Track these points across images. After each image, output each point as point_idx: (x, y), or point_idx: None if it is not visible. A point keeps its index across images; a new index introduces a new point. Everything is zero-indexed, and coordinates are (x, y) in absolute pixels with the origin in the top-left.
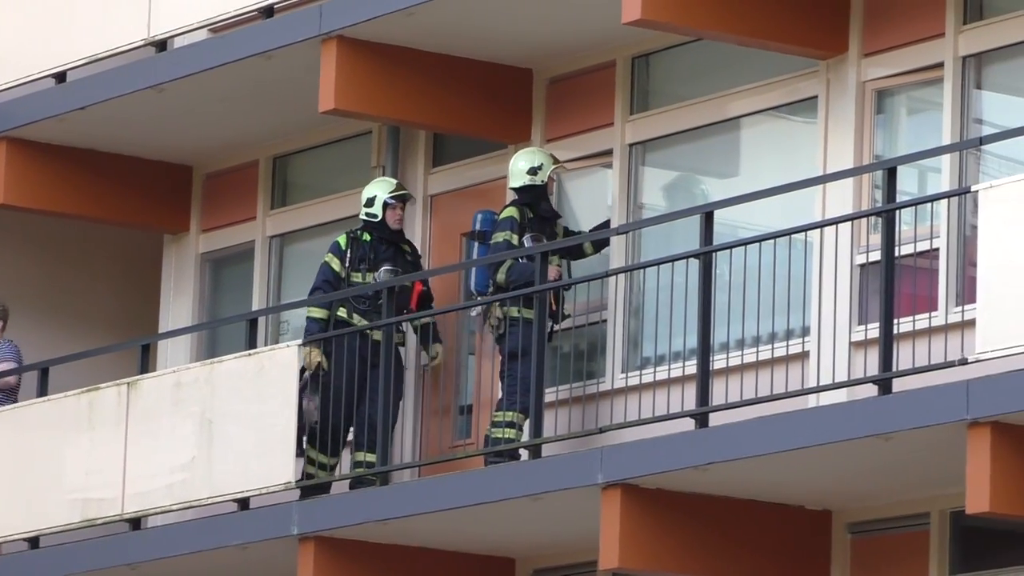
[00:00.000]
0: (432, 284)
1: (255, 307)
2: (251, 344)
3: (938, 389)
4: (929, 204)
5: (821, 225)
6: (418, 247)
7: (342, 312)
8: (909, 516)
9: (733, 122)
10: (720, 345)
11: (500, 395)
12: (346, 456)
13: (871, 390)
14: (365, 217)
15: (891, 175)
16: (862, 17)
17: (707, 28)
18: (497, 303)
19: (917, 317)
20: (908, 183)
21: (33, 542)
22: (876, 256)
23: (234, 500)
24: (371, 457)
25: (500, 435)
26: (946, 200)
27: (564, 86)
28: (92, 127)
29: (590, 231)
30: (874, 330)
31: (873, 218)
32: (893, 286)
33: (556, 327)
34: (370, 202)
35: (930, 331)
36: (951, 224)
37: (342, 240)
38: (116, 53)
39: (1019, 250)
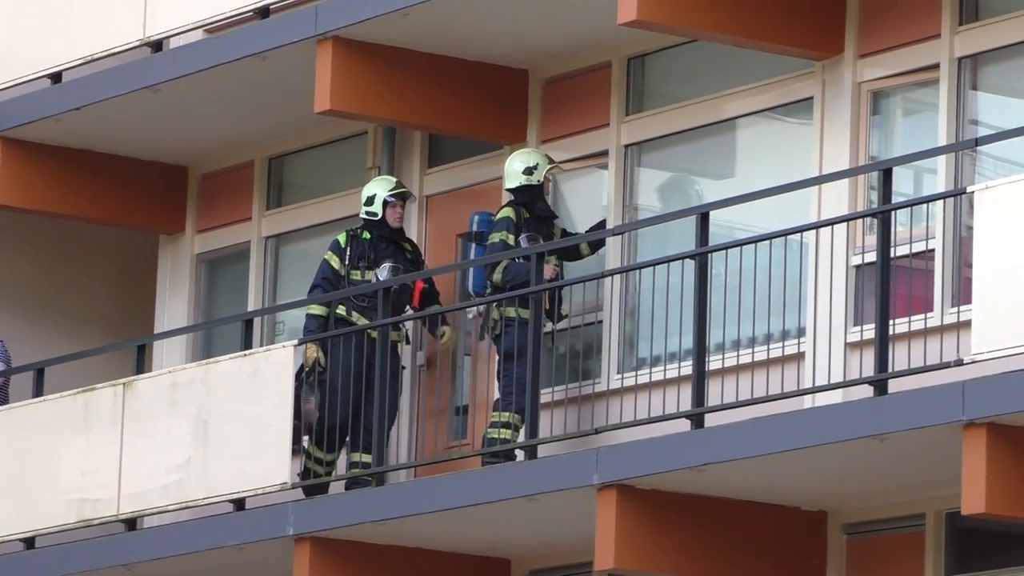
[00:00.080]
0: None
1: (251, 308)
2: (247, 345)
3: (934, 390)
4: (925, 205)
5: (817, 226)
6: None
7: (341, 310)
8: (905, 517)
9: (729, 123)
10: (716, 346)
11: (496, 395)
12: (343, 456)
13: (867, 391)
14: (365, 216)
15: (887, 176)
16: (858, 18)
17: (703, 29)
18: (494, 303)
19: (913, 318)
20: (904, 184)
21: (29, 542)
22: (872, 257)
23: (230, 500)
24: (367, 458)
25: (496, 435)
26: (942, 201)
27: (560, 87)
28: (88, 127)
29: (586, 232)
30: (870, 331)
31: (869, 219)
32: (889, 287)
33: (553, 326)
34: (370, 200)
35: (926, 332)
36: (947, 225)
37: (342, 238)
38: (112, 53)
39: (1015, 251)
